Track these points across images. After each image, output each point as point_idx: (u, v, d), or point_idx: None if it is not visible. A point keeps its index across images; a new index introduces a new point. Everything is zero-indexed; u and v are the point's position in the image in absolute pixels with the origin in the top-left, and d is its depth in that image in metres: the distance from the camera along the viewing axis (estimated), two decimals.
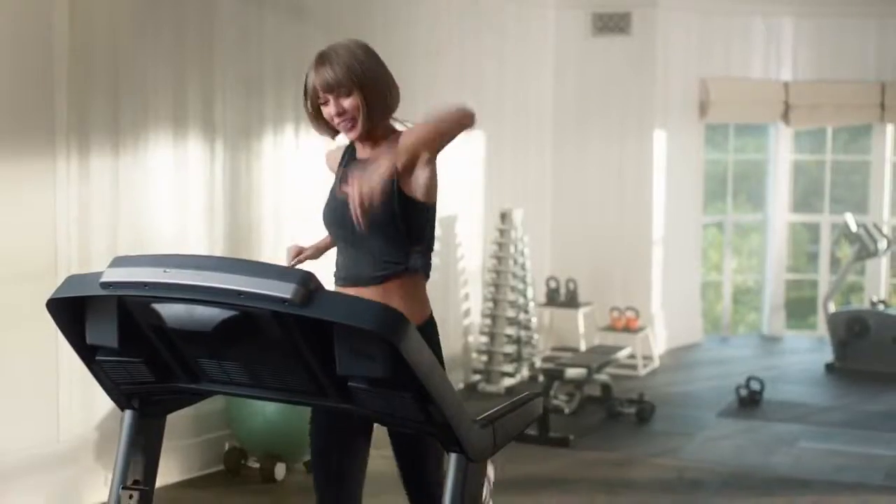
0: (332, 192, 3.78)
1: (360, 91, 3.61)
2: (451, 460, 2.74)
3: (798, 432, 8.53)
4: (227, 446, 7.06)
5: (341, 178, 3.72)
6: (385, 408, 2.68)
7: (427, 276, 3.76)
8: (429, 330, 3.68)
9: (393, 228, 3.58)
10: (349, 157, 3.80)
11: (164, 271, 2.64)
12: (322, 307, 2.50)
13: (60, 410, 6.23)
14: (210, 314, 2.62)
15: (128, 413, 3.14)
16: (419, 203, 3.60)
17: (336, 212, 3.69)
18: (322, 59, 3.68)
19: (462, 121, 3.57)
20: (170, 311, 2.69)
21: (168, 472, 6.59)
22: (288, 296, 2.49)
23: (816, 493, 6.88)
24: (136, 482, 3.12)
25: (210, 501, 6.14)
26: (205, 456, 6.98)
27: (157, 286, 2.64)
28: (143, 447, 3.16)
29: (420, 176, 3.58)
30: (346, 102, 3.62)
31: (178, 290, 2.62)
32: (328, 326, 2.55)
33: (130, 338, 2.85)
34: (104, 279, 2.71)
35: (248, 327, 2.61)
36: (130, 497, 3.10)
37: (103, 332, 2.86)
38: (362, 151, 3.75)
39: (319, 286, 2.53)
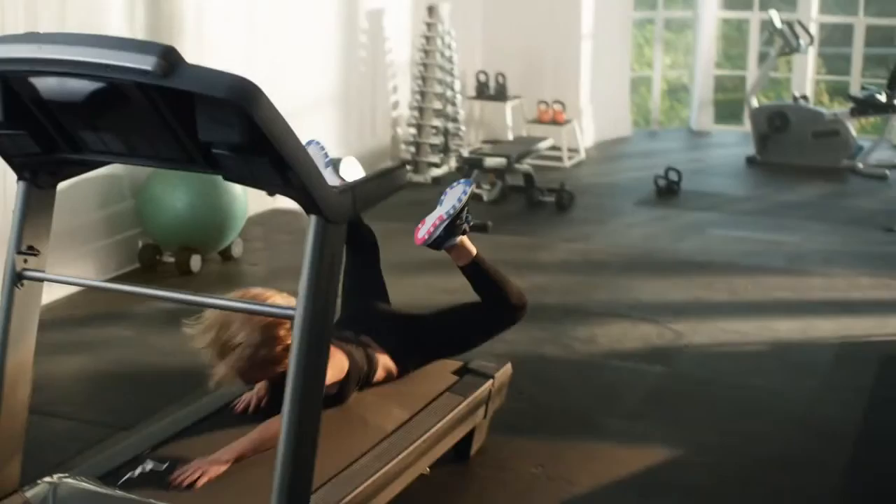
0: None
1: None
2: (311, 222, 2.98)
3: (709, 220, 8.88)
4: (140, 244, 7.17)
5: None
6: (247, 173, 2.91)
7: None
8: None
9: None
10: None
11: (39, 47, 2.83)
12: (181, 78, 2.71)
13: None
14: (81, 86, 2.83)
15: (21, 184, 3.36)
16: None
17: None
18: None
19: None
20: (45, 85, 2.90)
21: (85, 275, 6.63)
22: (149, 68, 2.69)
23: (714, 274, 7.22)
24: (29, 247, 3.35)
25: (128, 299, 6.29)
26: (119, 255, 7.09)
27: (32, 61, 2.84)
28: (37, 216, 3.39)
29: None
30: None
31: (51, 65, 2.82)
32: (190, 96, 2.76)
33: (15, 112, 3.04)
34: None
35: (116, 98, 2.82)
36: (25, 261, 3.34)
37: None
38: None
39: (179, 58, 2.73)
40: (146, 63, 2.70)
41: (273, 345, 3.77)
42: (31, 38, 2.89)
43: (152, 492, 3.46)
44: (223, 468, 3.62)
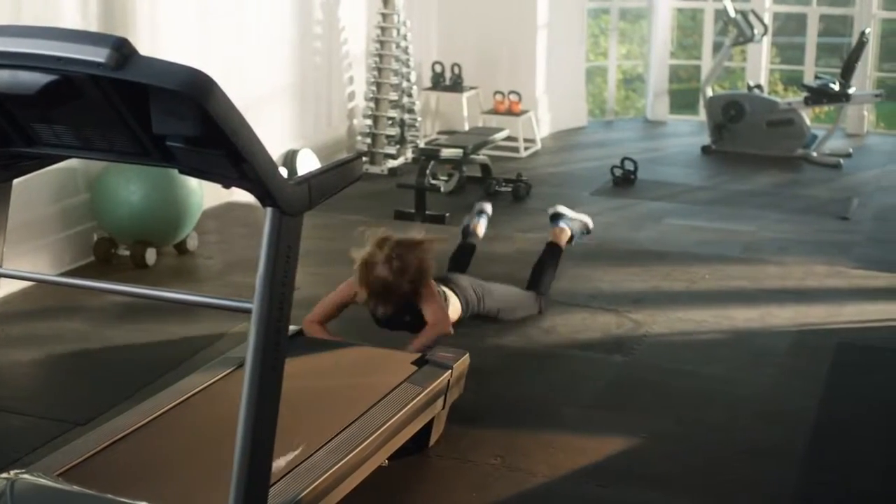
0: None
1: None
2: (267, 214, 2.96)
3: (666, 210, 8.91)
4: (95, 237, 7.12)
5: None
6: (202, 165, 2.90)
7: None
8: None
9: None
10: None
11: None
12: (134, 70, 2.69)
13: None
14: (32, 78, 2.79)
15: None
16: None
17: None
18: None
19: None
20: None
21: (39, 269, 6.59)
22: (102, 60, 2.67)
23: (672, 264, 7.24)
24: None
25: (83, 293, 6.20)
26: (74, 249, 7.03)
27: None
28: None
29: None
30: None
31: (2, 57, 2.79)
32: (144, 88, 2.74)
33: None
34: None
35: (69, 90, 2.79)
36: None
37: None
38: None
39: (133, 50, 2.71)
40: (99, 55, 2.67)
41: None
42: None
43: (109, 485, 3.44)
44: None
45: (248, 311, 2.98)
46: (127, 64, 2.69)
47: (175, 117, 2.75)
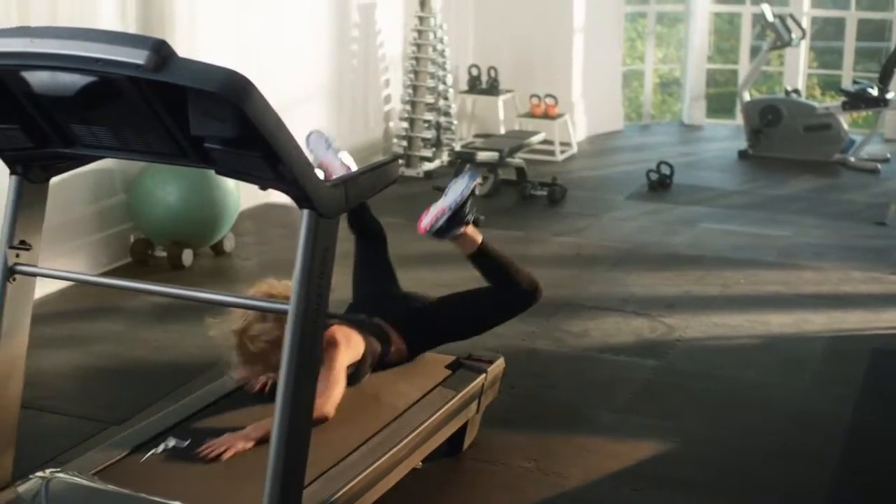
0: None
1: None
2: (303, 216, 2.98)
3: (701, 214, 8.88)
4: (132, 238, 7.18)
5: None
6: (239, 167, 2.92)
7: None
8: None
9: None
10: None
11: (31, 41, 2.83)
12: (173, 72, 2.71)
13: None
14: (73, 80, 2.83)
15: (13, 178, 3.36)
16: None
17: None
18: None
19: None
20: (37, 79, 2.90)
21: (77, 269, 6.57)
22: (141, 62, 2.69)
23: (706, 268, 7.23)
24: (21, 242, 3.35)
25: (120, 293, 6.25)
26: (111, 250, 7.09)
27: (24, 55, 2.84)
28: (29, 210, 3.39)
29: None
30: None
31: (43, 59, 2.82)
32: (182, 90, 2.76)
33: (7, 106, 3.04)
34: None
35: (108, 92, 2.82)
36: (17, 255, 3.35)
37: None
38: None
39: (171, 52, 2.73)
40: (138, 57, 2.70)
41: None
42: (23, 31, 2.88)
43: (143, 484, 3.46)
44: (250, 444, 3.70)
45: (284, 313, 3.00)
46: (166, 66, 2.71)
47: (213, 119, 2.77)
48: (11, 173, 3.35)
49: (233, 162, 2.90)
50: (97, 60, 2.74)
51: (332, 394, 3.92)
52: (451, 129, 10.53)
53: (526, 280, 4.55)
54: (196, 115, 2.79)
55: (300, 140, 2.92)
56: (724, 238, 8.15)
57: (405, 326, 4.45)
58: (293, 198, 2.97)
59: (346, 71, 9.73)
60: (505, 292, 4.57)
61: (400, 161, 9.72)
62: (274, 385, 3.99)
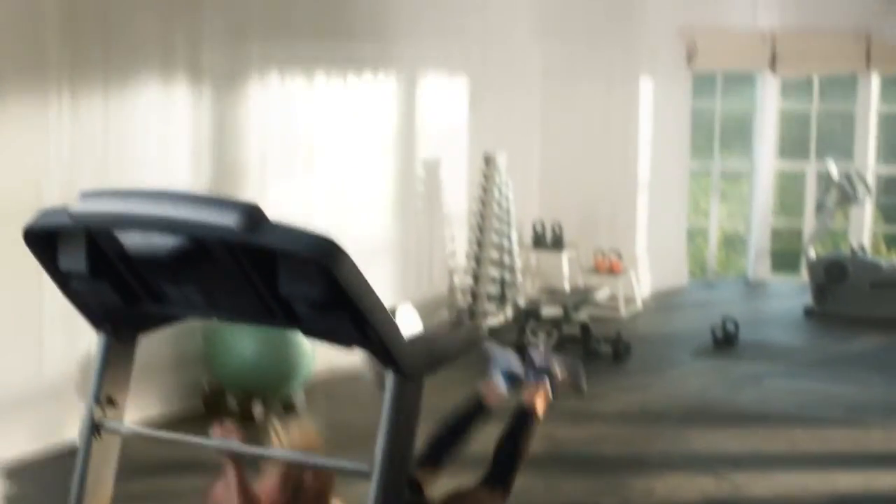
0: None
1: None
2: (388, 377, 3.00)
3: (766, 371, 8.83)
4: (205, 385, 7.27)
5: None
6: (325, 328, 2.95)
7: None
8: None
9: None
10: None
11: (126, 204, 2.91)
12: (266, 235, 2.77)
13: (44, 347, 6.45)
14: (166, 242, 2.89)
15: (102, 335, 3.41)
16: None
17: None
18: None
19: None
20: (131, 240, 2.97)
21: (148, 410, 6.81)
22: (234, 225, 2.75)
23: (772, 427, 7.17)
24: (108, 399, 3.40)
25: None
26: (184, 395, 7.19)
27: (119, 217, 2.91)
28: (117, 367, 3.44)
29: None
30: None
31: (138, 221, 2.89)
32: (273, 252, 2.82)
33: (99, 265, 3.10)
34: (72, 211, 2.98)
35: (200, 254, 2.88)
36: (103, 412, 3.38)
37: (74, 260, 3.12)
38: None
39: (264, 216, 2.79)
40: (231, 220, 2.76)
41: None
42: (118, 193, 2.96)
43: None
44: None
45: (366, 474, 3.00)
46: (258, 229, 2.77)
47: (303, 281, 2.81)
48: (98, 331, 3.41)
49: (320, 323, 2.93)
50: (191, 223, 2.80)
51: None
52: (516, 285, 10.57)
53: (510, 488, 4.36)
54: (286, 277, 2.84)
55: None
56: (789, 395, 8.09)
57: None
58: (379, 359, 2.99)
59: (410, 226, 9.84)
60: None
61: (470, 318, 9.79)
62: None
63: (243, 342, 6.89)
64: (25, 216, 6.11)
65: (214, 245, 2.84)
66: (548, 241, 11.34)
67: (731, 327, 9.77)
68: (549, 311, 8.94)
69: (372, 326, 2.88)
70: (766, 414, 7.49)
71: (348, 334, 2.93)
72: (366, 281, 2.83)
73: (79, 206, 2.97)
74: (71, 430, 6.38)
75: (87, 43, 6.54)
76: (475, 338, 3.39)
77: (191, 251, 2.90)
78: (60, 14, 6.37)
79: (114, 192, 2.98)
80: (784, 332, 10.46)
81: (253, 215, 2.77)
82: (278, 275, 2.86)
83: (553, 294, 10.27)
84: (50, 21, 6.33)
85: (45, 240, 3.15)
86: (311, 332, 3.02)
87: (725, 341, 9.69)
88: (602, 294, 9.83)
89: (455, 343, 3.29)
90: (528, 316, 8.83)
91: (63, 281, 3.23)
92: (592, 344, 9.20)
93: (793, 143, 13.47)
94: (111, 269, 3.11)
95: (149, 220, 2.87)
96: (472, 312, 10.15)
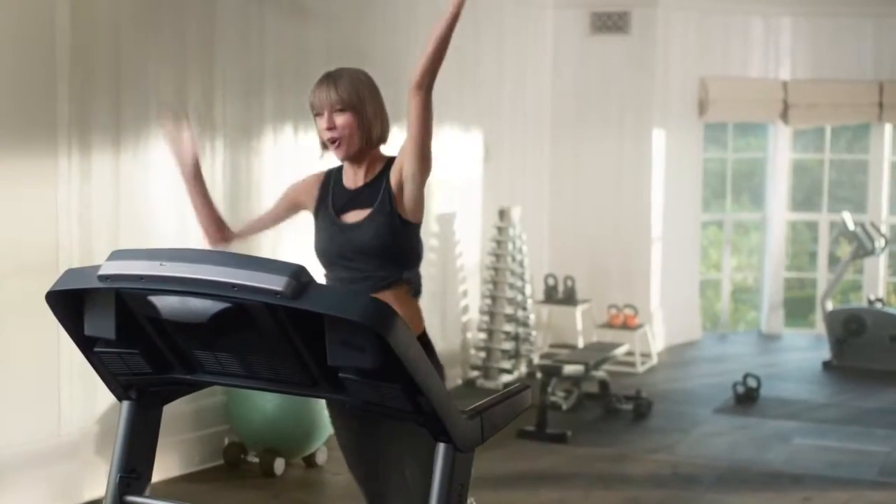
0: (327, 219, 3.87)
1: (354, 112, 3.77)
2: (440, 450, 2.80)
3: (793, 429, 8.61)
4: (226, 441, 7.15)
5: (338, 208, 3.92)
6: (375, 398, 2.74)
7: (419, 293, 3.91)
8: (423, 345, 3.79)
9: (389, 250, 3.73)
10: (336, 185, 3.92)
11: (161, 264, 2.69)
12: (313, 299, 2.56)
13: (62, 404, 6.30)
14: (204, 306, 2.67)
15: (126, 403, 3.20)
16: (411, 224, 3.91)
17: (335, 239, 3.83)
18: (326, 77, 3.94)
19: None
20: (165, 304, 2.74)
21: (168, 466, 6.70)
22: (280, 288, 2.54)
23: (809, 489, 6.95)
24: (133, 471, 3.18)
25: (210, 495, 6.22)
26: (205, 450, 7.07)
27: (153, 279, 2.70)
28: (141, 437, 3.22)
29: (410, 196, 3.90)
30: (339, 119, 3.82)
31: (174, 283, 2.67)
32: (319, 318, 2.61)
33: (127, 329, 2.89)
34: (102, 272, 2.77)
35: (241, 319, 2.67)
36: (128, 485, 3.17)
37: (101, 324, 2.91)
38: (351, 180, 3.89)
39: (311, 279, 2.59)
40: (277, 283, 2.55)
41: None
42: (152, 254, 2.76)
43: None
44: None
45: None
46: (305, 293, 2.56)
47: (352, 348, 2.61)
48: (123, 398, 3.20)
49: (369, 393, 2.73)
50: (233, 286, 2.60)
51: None
52: (530, 341, 10.38)
53: None
54: (334, 343, 2.64)
55: None
56: (820, 454, 7.87)
57: None
58: (430, 431, 2.79)
59: (424, 281, 9.61)
60: None
61: (477, 373, 9.59)
62: None
63: (265, 397, 6.74)
64: (41, 270, 6.00)
65: (257, 310, 2.64)
66: (560, 295, 11.15)
67: (752, 383, 9.56)
68: (570, 368, 8.72)
69: (425, 397, 2.68)
70: (800, 475, 7.26)
71: (400, 405, 2.73)
72: (420, 349, 2.64)
73: (109, 268, 2.77)
74: (89, 490, 6.24)
75: (97, 96, 6.40)
76: (525, 402, 3.18)
77: (230, 316, 2.69)
78: (70, 67, 6.22)
79: (146, 252, 2.77)
80: (805, 387, 10.25)
81: (300, 277, 2.57)
82: (324, 341, 2.66)
83: (573, 351, 10.06)
84: (59, 74, 6.19)
85: (69, 301, 2.94)
86: (359, 403, 2.82)
87: (747, 397, 9.48)
88: (622, 350, 9.63)
89: (506, 409, 3.10)
90: (549, 373, 8.60)
91: (87, 346, 3.03)
92: (612, 401, 8.98)
93: (804, 193, 13.33)
94: (141, 335, 2.91)
95: (187, 282, 2.66)
96: (486, 369, 9.94)
